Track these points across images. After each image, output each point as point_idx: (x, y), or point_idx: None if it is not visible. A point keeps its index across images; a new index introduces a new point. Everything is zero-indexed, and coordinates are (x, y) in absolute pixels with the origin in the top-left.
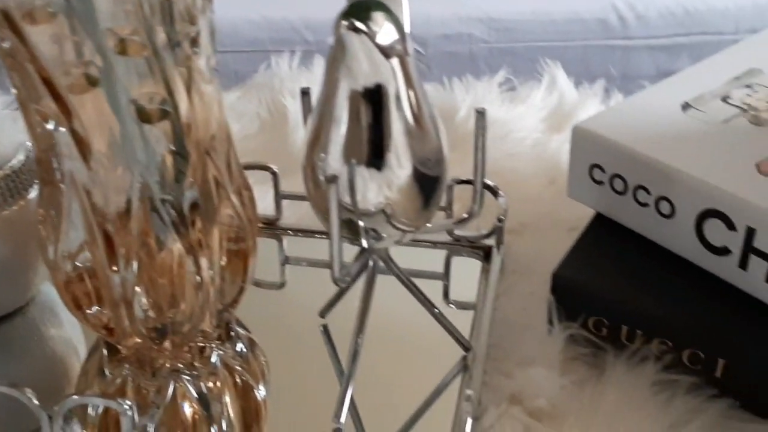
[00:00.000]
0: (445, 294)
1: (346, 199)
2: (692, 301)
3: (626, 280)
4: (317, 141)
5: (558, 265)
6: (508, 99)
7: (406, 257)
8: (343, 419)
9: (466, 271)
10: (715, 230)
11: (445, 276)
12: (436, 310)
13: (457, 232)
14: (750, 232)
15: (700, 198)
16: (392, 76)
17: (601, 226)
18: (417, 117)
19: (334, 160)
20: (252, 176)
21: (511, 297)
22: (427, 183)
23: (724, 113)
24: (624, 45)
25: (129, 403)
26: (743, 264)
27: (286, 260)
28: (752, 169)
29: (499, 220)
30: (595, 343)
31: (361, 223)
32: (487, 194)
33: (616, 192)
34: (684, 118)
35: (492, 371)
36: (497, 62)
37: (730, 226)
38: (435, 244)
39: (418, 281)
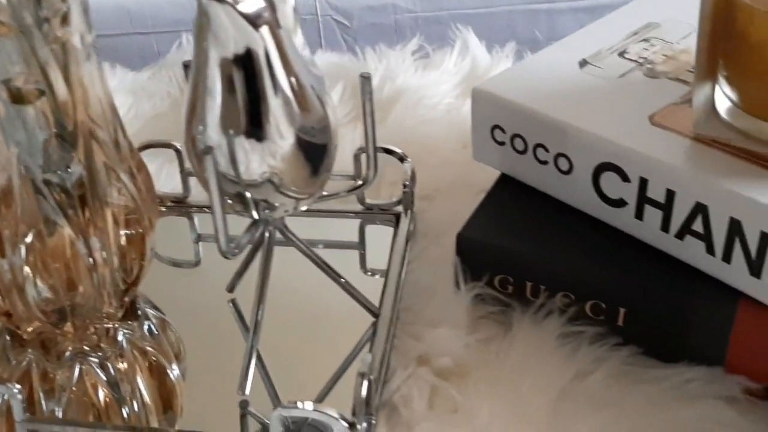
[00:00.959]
0: (363, 262)
1: (231, 171)
2: (592, 254)
3: (529, 238)
4: (194, 113)
5: (462, 227)
6: (422, 66)
7: (321, 228)
8: (247, 391)
9: (384, 239)
10: (610, 183)
11: (361, 245)
12: (342, 279)
13: (369, 200)
14: (643, 183)
15: (595, 152)
16: (262, 46)
17: (506, 187)
18: (295, 87)
19: (212, 132)
20: (162, 154)
21: (423, 261)
22: (313, 151)
23: (620, 68)
24: (548, 8)
25: (18, 387)
26: (639, 214)
27: (198, 238)
28: (645, 121)
29: (405, 186)
30: (502, 301)
31: (248, 195)
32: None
33: (517, 151)
34: (581, 75)
35: (402, 335)
36: (422, 32)
37: (624, 177)
38: (357, 214)
39: (337, 251)
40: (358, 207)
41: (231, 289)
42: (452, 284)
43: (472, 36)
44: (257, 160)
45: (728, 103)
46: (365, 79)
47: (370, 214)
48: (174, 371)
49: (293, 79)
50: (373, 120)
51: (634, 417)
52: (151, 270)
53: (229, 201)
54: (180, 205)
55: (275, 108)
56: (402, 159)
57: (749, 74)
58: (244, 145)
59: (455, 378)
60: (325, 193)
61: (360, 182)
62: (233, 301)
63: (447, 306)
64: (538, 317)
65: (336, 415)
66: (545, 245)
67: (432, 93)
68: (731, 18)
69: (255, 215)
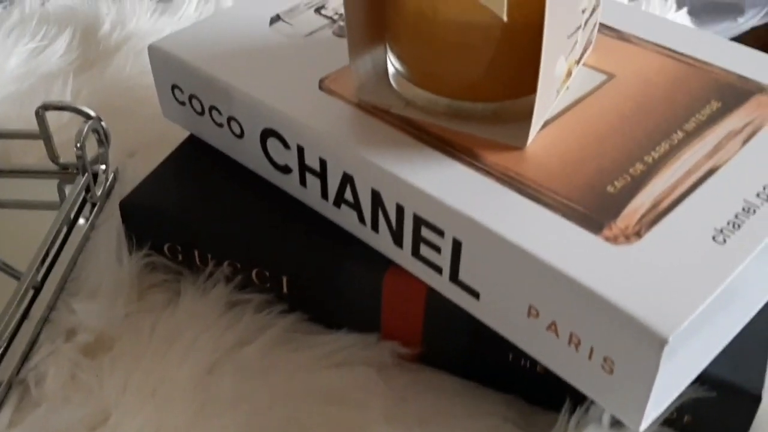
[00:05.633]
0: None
1: None
2: (259, 221)
3: (197, 203)
4: None
5: (128, 193)
6: (160, 11)
7: (20, 190)
8: None
9: None
10: (276, 149)
11: None
12: None
13: (63, 160)
14: (300, 150)
15: (258, 117)
16: None
17: (191, 149)
18: None
19: None
20: None
21: (109, 225)
22: None
23: (311, 26)
24: None
25: None
26: (303, 181)
27: None
28: (314, 85)
29: (77, 147)
30: (174, 270)
31: None
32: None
33: (197, 112)
34: (268, 33)
35: (61, 307)
36: None
37: (285, 144)
38: (53, 174)
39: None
40: (53, 167)
41: None
42: (123, 251)
43: None
44: None
45: (393, 70)
46: None
47: (69, 174)
48: None
49: None
50: None
51: (278, 385)
52: None
53: None
54: None
55: None
56: (87, 117)
57: (406, 42)
58: None
59: (100, 353)
60: None
61: None
62: None
63: (111, 275)
64: (207, 286)
65: None
66: (212, 211)
67: None
68: None
69: None
